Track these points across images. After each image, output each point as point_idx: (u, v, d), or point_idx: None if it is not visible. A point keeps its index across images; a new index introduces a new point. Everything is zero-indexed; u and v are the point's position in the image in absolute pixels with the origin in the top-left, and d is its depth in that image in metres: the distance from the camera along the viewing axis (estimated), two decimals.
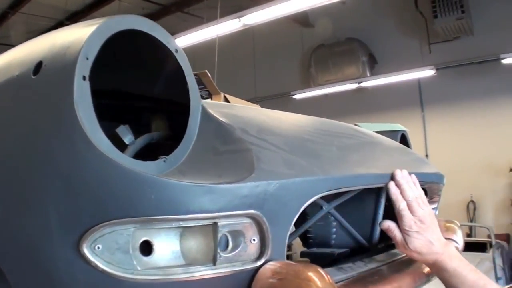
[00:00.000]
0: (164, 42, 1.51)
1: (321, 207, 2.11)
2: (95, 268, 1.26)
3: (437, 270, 1.85)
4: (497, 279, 8.10)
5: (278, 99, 15.51)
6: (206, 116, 1.59)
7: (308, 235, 2.58)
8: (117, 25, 1.41)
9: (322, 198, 2.17)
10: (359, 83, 14.22)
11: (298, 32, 16.13)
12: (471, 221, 13.20)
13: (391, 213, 2.06)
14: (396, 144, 2.58)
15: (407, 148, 2.68)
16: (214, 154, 1.51)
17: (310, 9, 14.73)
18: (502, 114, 13.12)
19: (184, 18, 14.57)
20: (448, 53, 13.71)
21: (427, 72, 13.19)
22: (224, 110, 1.75)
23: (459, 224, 2.40)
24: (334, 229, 2.48)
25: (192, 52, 11.27)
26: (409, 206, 1.86)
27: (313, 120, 2.28)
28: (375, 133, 2.51)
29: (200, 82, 4.35)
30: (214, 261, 1.35)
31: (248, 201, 1.37)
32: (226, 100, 4.44)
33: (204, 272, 1.34)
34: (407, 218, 1.84)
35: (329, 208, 2.13)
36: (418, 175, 2.05)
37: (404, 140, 3.26)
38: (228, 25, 9.64)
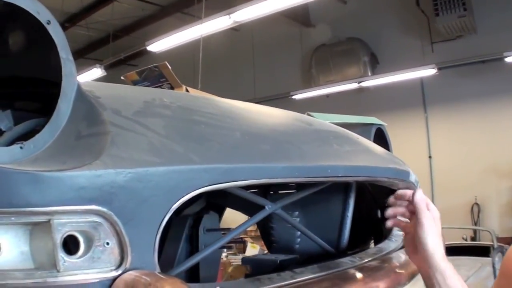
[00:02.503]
0: (33, 13, 1.28)
1: (264, 208, 1.85)
2: None
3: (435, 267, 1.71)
4: None
5: (277, 100, 15.27)
6: (81, 96, 1.33)
7: (271, 239, 2.37)
8: None
9: (268, 198, 1.92)
10: (359, 82, 13.95)
11: (298, 32, 15.93)
12: (475, 224, 12.97)
13: (361, 215, 1.99)
14: (344, 133, 2.30)
15: (360, 138, 2.41)
16: (76, 139, 1.24)
17: (311, 8, 14.66)
18: (506, 115, 12.92)
19: (183, 19, 14.36)
20: (451, 52, 13.48)
21: (429, 71, 12.98)
22: (107, 91, 1.49)
23: None
24: (299, 233, 2.30)
25: (192, 50, 11.11)
26: None
27: (236, 104, 2.00)
28: (319, 121, 2.25)
29: (161, 75, 4.11)
30: (56, 267, 1.10)
31: (88, 194, 1.10)
32: None
33: (48, 279, 1.10)
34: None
35: (274, 208, 1.92)
36: (360, 169, 1.80)
37: (382, 135, 3.02)
38: (218, 23, 9.44)
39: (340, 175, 1.73)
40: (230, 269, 4.56)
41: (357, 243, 2.36)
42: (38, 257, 1.12)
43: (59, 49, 1.29)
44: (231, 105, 1.95)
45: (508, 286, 1.15)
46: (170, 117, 1.50)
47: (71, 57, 1.31)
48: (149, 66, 4.26)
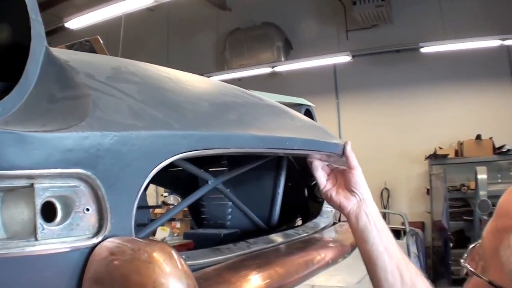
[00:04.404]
0: None
1: (207, 182, 1.84)
2: None
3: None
4: None
5: None
6: (50, 59, 1.26)
7: (202, 216, 2.35)
8: None
9: (210, 172, 1.92)
10: (273, 67, 14.03)
11: (214, 14, 15.87)
12: (385, 209, 13.23)
13: (291, 193, 2.05)
14: (290, 110, 2.31)
15: (299, 115, 2.42)
16: (49, 102, 1.19)
17: None
18: (418, 103, 13.27)
19: None
20: (366, 40, 13.74)
21: (343, 58, 13.18)
22: (74, 56, 1.44)
23: None
24: (230, 210, 2.30)
25: (106, 28, 10.94)
26: None
27: (191, 76, 1.98)
28: (263, 97, 2.25)
29: (92, 49, 4.05)
30: (35, 235, 1.03)
31: (74, 157, 1.05)
32: None
33: (25, 249, 1.02)
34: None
35: (216, 183, 1.94)
36: (314, 143, 1.83)
37: (309, 116, 3.05)
38: (140, 1, 9.36)
39: (295, 148, 1.73)
40: None
41: (285, 221, 2.37)
42: (11, 226, 1.05)
43: (28, 9, 1.20)
44: (187, 76, 1.93)
45: (509, 225, 1.19)
46: (142, 84, 1.44)
47: (40, 18, 1.24)
48: (80, 40, 4.18)
